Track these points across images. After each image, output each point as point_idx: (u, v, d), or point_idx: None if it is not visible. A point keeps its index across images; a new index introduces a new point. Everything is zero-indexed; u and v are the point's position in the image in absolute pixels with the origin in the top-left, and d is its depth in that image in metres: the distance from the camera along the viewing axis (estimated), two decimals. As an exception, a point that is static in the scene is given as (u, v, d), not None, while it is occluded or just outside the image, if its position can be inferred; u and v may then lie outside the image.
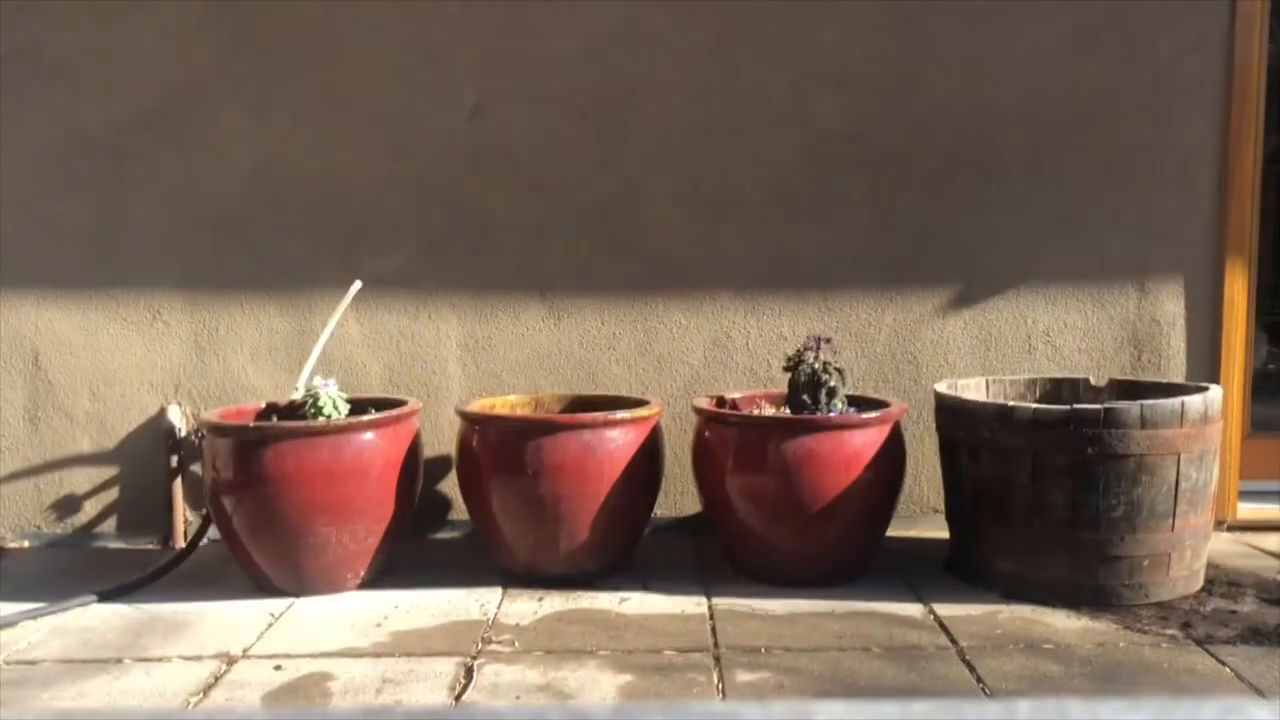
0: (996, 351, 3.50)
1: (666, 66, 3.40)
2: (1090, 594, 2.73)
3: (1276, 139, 4.03)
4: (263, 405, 3.17)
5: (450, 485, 3.32)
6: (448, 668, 2.37)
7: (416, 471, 3.05)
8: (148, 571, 2.99)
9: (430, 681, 2.29)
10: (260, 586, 2.91)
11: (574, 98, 3.41)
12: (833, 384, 2.98)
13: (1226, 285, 3.45)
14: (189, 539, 3.21)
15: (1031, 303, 3.48)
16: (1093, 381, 3.23)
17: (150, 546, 3.44)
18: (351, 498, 2.83)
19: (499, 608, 2.78)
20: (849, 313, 3.49)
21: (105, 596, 2.85)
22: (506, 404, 3.28)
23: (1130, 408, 2.69)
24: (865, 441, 2.87)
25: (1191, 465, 2.73)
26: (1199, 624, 2.60)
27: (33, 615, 2.71)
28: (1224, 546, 3.25)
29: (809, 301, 3.49)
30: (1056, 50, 3.40)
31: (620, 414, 2.94)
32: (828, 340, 3.05)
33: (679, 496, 3.49)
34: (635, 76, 3.41)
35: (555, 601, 2.83)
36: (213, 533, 3.10)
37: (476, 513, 3.03)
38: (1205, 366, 3.49)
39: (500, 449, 2.92)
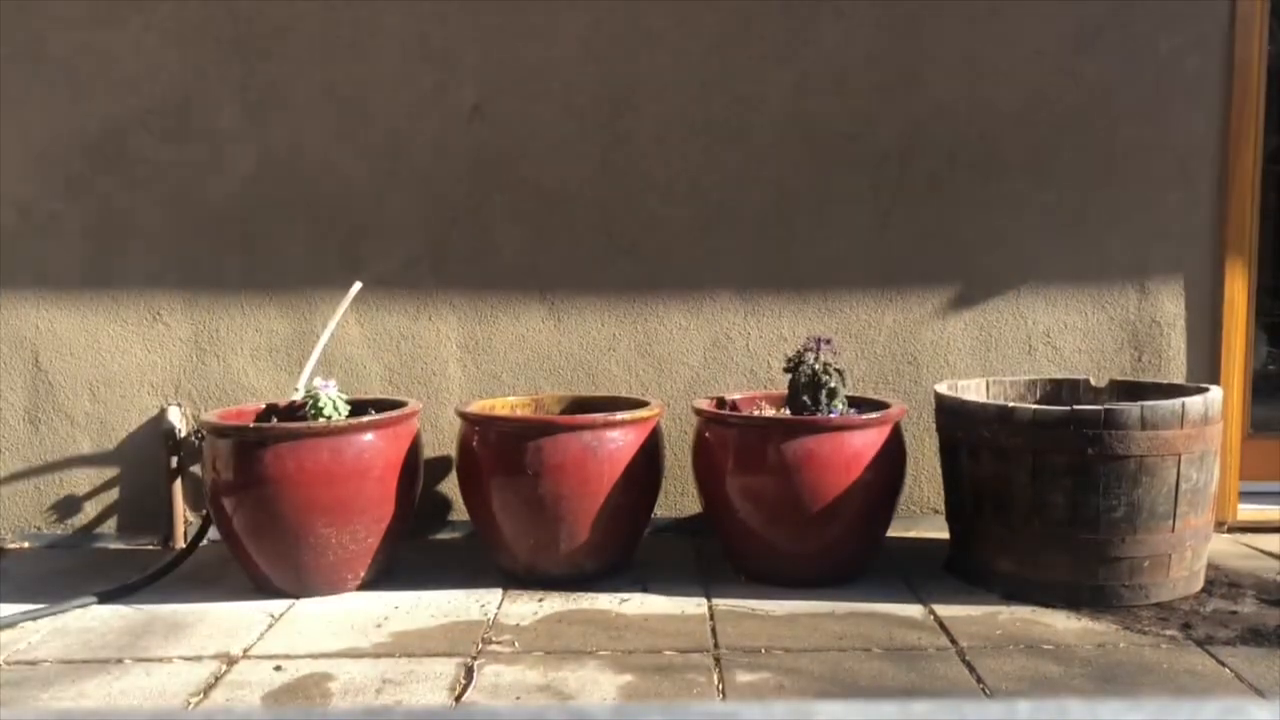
0: (997, 352, 3.50)
1: (666, 66, 3.40)
2: (1090, 594, 2.73)
3: (1276, 139, 4.02)
4: (263, 406, 3.17)
5: (450, 486, 3.33)
6: (448, 668, 2.37)
7: (416, 472, 3.05)
8: (148, 572, 2.99)
9: (430, 682, 2.29)
10: (260, 587, 2.91)
11: (574, 98, 3.41)
12: (833, 385, 2.98)
13: (1227, 285, 3.45)
14: (189, 540, 3.20)
15: (1031, 303, 3.48)
16: (1093, 382, 3.23)
17: (150, 547, 3.44)
18: (351, 498, 2.83)
19: (499, 608, 2.78)
20: (849, 313, 3.49)
21: (105, 597, 2.85)
22: (507, 405, 3.28)
23: (1130, 409, 2.69)
24: (865, 442, 2.87)
25: (1192, 466, 2.73)
26: (1199, 625, 2.60)
27: (33, 616, 2.71)
28: (1224, 547, 3.25)
29: (809, 302, 3.49)
30: (1056, 50, 3.40)
31: (620, 415, 2.94)
32: (828, 341, 3.05)
33: (679, 497, 3.49)
34: (635, 76, 3.41)
35: (555, 602, 2.83)
36: (213, 533, 3.10)
37: (477, 513, 3.03)
38: (1205, 367, 3.49)
39: (500, 450, 2.92)
